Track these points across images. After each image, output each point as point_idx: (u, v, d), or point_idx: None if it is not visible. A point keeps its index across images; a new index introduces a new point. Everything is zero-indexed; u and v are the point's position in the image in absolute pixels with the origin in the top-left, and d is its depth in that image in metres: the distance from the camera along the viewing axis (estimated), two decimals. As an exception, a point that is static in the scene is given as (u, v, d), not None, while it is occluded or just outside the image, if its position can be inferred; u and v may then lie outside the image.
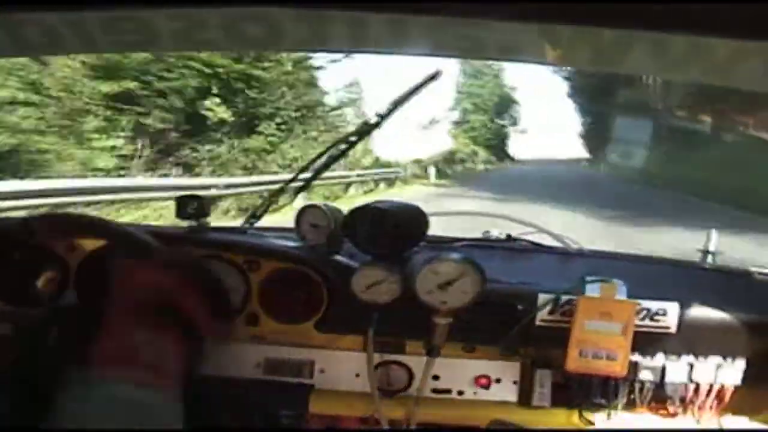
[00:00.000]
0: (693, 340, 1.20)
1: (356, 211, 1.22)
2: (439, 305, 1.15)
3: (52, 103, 11.51)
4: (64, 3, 0.72)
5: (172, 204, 1.33)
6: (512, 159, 43.52)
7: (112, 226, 1.10)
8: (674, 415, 1.22)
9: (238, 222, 1.59)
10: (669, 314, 1.18)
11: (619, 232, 8.48)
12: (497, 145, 42.15)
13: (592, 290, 1.18)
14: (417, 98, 1.40)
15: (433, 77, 1.38)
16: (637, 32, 0.68)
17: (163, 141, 13.34)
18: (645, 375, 1.21)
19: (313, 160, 1.58)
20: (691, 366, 1.20)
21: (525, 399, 1.25)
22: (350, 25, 0.73)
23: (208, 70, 13.89)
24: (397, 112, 1.43)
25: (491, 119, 42.74)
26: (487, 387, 1.26)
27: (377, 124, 1.45)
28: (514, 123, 45.56)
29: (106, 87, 12.44)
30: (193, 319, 0.78)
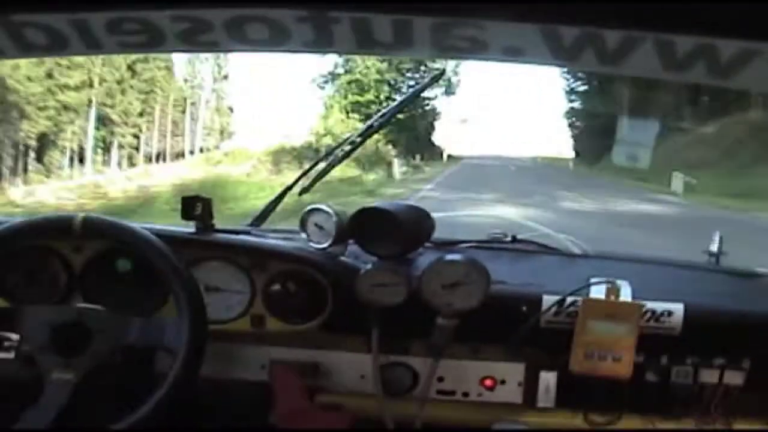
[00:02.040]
0: (698, 341, 1.20)
1: (362, 213, 1.22)
2: (444, 307, 1.15)
3: None
4: (68, 5, 0.72)
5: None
6: (440, 155, 23.43)
7: (129, 231, 1.10)
8: (679, 416, 1.22)
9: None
10: (674, 316, 1.17)
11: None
12: (413, 127, 22.09)
13: (597, 292, 1.18)
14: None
15: (437, 77, 1.39)
16: (641, 33, 0.68)
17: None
18: (650, 376, 1.21)
19: (317, 162, 1.58)
20: (696, 368, 1.20)
21: (530, 400, 1.25)
22: (354, 26, 0.73)
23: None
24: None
25: (402, 73, 22.40)
26: (492, 388, 1.26)
27: (381, 126, 1.46)
28: (451, 89, 23.59)
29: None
30: None
